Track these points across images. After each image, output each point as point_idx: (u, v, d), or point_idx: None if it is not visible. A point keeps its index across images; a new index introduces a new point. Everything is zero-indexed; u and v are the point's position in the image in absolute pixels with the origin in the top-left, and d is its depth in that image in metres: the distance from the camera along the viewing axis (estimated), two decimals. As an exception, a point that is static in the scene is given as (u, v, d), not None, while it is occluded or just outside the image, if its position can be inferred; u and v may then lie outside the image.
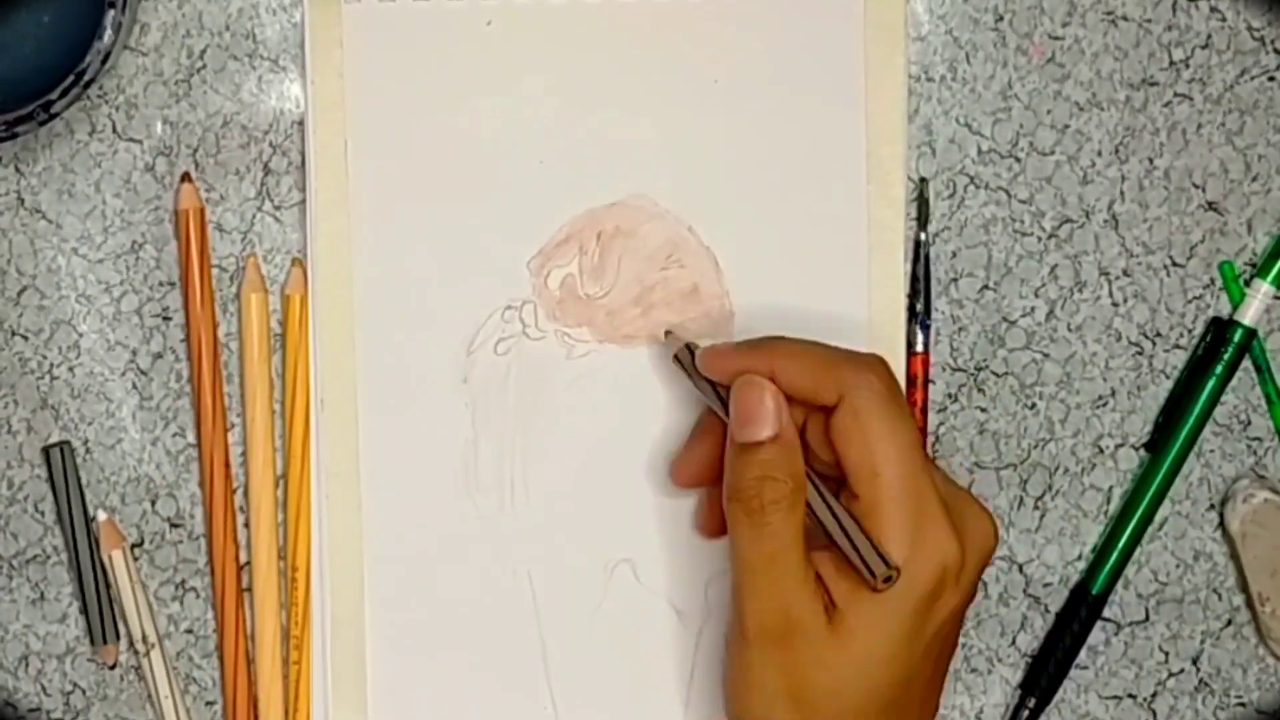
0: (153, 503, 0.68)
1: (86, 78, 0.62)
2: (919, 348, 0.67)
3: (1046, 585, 0.69)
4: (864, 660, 0.56)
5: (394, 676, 0.67)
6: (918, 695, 0.58)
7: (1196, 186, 0.68)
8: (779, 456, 0.58)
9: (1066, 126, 0.67)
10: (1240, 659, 0.69)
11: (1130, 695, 0.69)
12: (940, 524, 0.57)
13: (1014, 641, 0.69)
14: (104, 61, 0.62)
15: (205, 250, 0.67)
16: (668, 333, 0.66)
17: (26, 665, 0.68)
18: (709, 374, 0.62)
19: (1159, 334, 0.68)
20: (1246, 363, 0.68)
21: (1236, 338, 0.67)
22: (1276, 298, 0.68)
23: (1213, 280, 0.68)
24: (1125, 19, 0.67)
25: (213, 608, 0.68)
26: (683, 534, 0.67)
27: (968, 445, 0.68)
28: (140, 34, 0.66)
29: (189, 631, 0.68)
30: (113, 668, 0.68)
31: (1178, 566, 0.69)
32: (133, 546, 0.68)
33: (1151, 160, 0.68)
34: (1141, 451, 0.69)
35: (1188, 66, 0.67)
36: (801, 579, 0.57)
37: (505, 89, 0.66)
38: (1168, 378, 0.68)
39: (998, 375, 0.68)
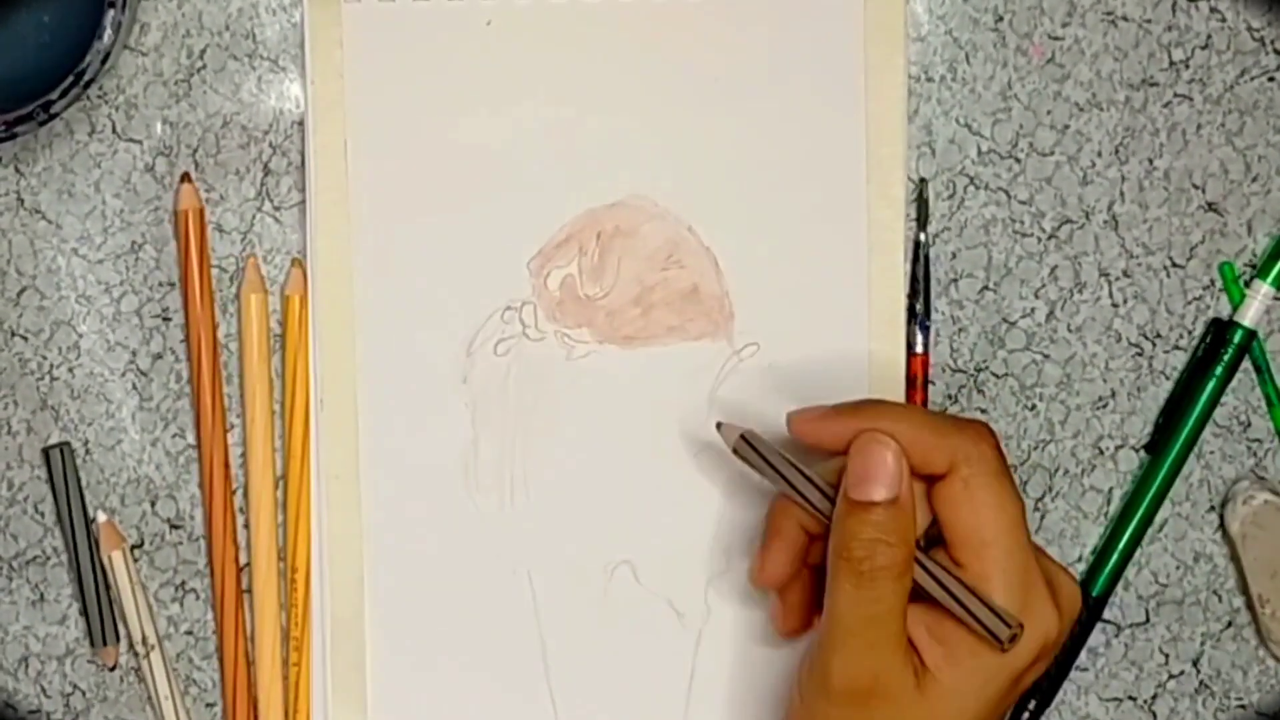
0: (152, 504, 0.68)
1: (86, 78, 0.62)
2: (918, 348, 0.67)
3: (1047, 586, 0.69)
4: None
5: (394, 677, 0.67)
6: None
7: (1196, 187, 0.68)
8: (895, 520, 0.57)
9: (1066, 127, 0.67)
10: (1240, 661, 0.69)
11: (1130, 697, 0.69)
12: (1044, 598, 0.57)
13: (1014, 643, 0.69)
14: (104, 61, 0.62)
15: (205, 251, 0.67)
16: (719, 424, 0.63)
17: (26, 667, 0.68)
18: (805, 438, 0.60)
19: (1159, 335, 0.68)
20: (1246, 364, 0.68)
21: (1236, 339, 0.67)
22: (1276, 299, 0.68)
23: (1213, 281, 0.68)
24: (1125, 19, 0.67)
25: (213, 609, 0.68)
26: (683, 534, 0.67)
27: (968, 446, 0.68)
28: (140, 34, 0.66)
29: (189, 633, 0.68)
30: (113, 669, 0.68)
31: (1178, 568, 0.69)
32: (133, 548, 0.68)
33: (1151, 161, 0.68)
34: (1141, 453, 0.68)
35: (1188, 67, 0.67)
36: (898, 644, 0.57)
37: (505, 89, 0.66)
38: (1168, 379, 0.68)
39: (997, 376, 0.68)
